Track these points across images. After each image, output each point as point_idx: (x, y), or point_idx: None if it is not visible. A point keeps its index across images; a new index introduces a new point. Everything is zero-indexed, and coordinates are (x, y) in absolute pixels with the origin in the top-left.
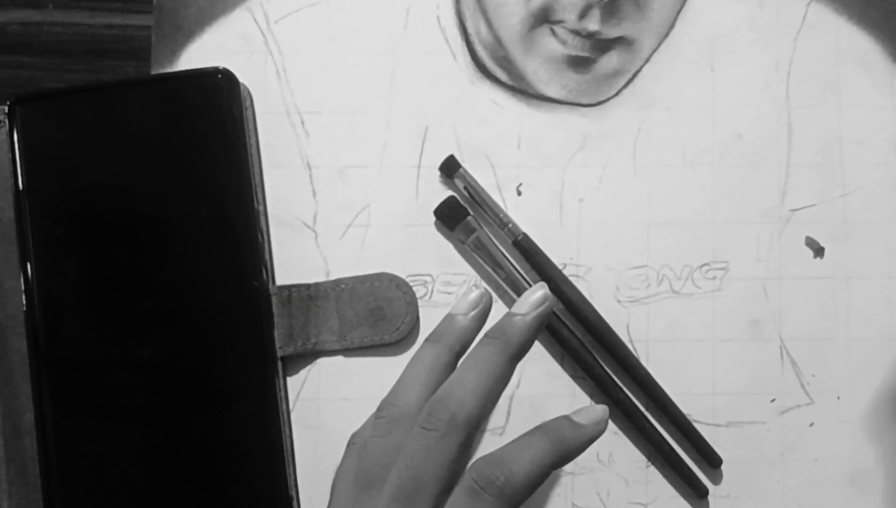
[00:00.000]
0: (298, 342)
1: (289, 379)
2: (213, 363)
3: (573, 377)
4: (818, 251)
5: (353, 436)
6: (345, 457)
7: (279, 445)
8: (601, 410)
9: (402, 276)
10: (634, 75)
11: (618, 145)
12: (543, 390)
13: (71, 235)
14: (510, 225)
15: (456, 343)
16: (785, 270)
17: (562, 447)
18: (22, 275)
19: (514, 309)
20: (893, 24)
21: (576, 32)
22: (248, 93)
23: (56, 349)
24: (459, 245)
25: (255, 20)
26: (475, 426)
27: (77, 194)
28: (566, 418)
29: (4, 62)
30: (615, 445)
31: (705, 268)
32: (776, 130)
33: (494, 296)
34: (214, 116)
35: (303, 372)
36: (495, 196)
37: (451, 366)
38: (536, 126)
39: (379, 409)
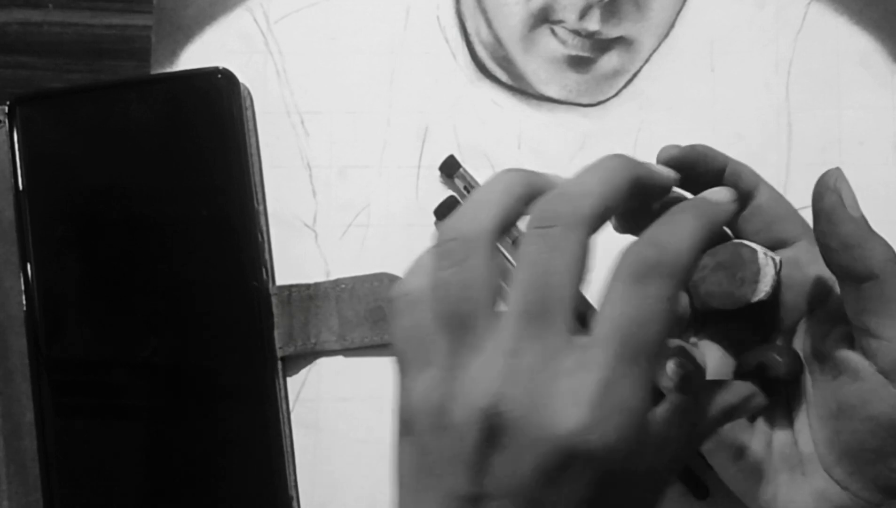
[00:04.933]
0: (298, 342)
1: (289, 379)
2: (213, 364)
3: None
4: None
5: (400, 289)
6: (400, 315)
7: (279, 445)
8: (728, 191)
9: (402, 276)
10: (634, 75)
11: (618, 145)
12: None
13: (71, 235)
14: None
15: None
16: None
17: (706, 219)
18: (22, 275)
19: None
20: (893, 24)
21: (576, 32)
22: (248, 93)
23: (56, 349)
24: None
25: (255, 20)
26: (602, 218)
27: (77, 193)
28: (699, 197)
29: (4, 62)
30: None
31: None
32: (776, 130)
33: None
34: (214, 116)
35: (303, 372)
36: None
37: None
38: (536, 126)
39: (437, 242)
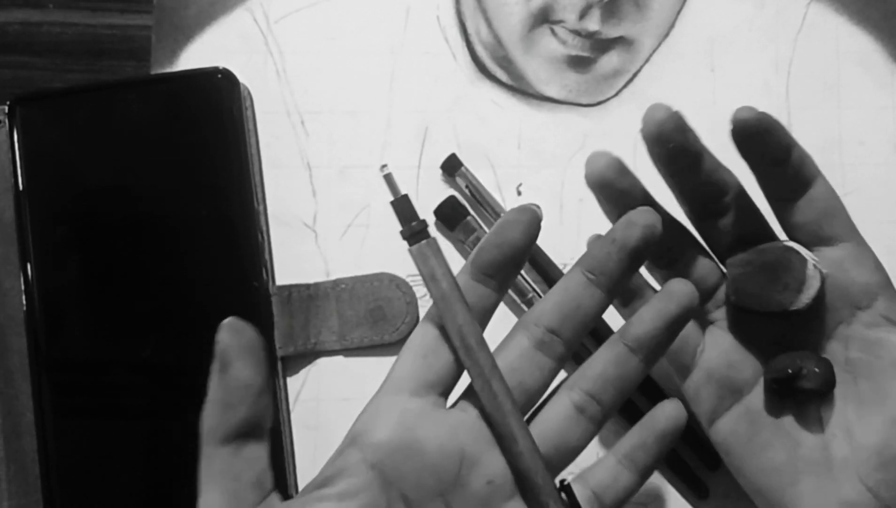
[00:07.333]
0: (298, 342)
1: (289, 379)
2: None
3: None
4: None
5: None
6: None
7: (279, 445)
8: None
9: (402, 276)
10: (634, 75)
11: (618, 145)
12: None
13: (71, 235)
14: None
15: None
16: None
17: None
18: (22, 275)
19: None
20: (893, 24)
21: (576, 32)
22: (248, 93)
23: (56, 349)
24: (459, 245)
25: (255, 20)
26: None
27: (77, 193)
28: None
29: (4, 62)
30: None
31: None
32: None
33: None
34: (214, 116)
35: (303, 372)
36: (495, 196)
37: None
38: (536, 126)
39: None
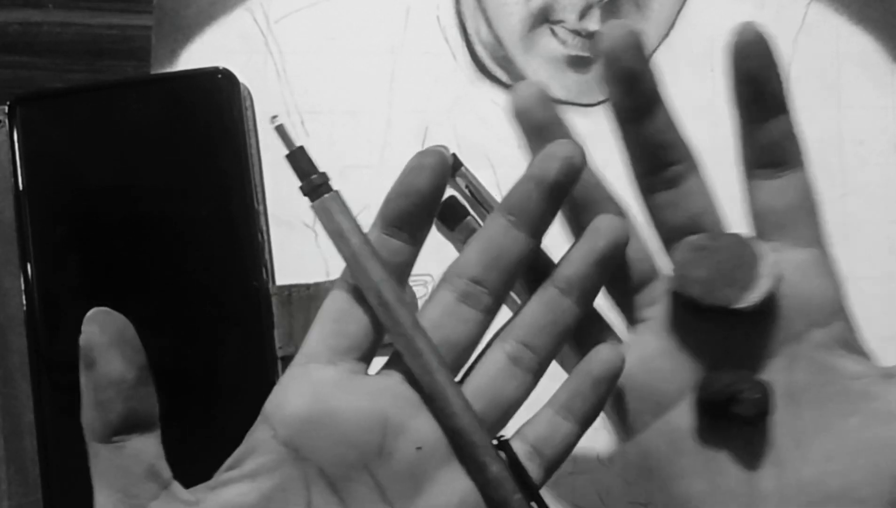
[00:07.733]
0: (298, 342)
1: None
2: (213, 364)
3: None
4: None
5: None
6: None
7: None
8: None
9: None
10: None
11: (618, 145)
12: (543, 390)
13: (71, 235)
14: None
15: None
16: None
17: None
18: (22, 275)
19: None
20: (893, 24)
21: (576, 32)
22: (248, 93)
23: (56, 349)
24: (459, 245)
25: (255, 20)
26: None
27: (77, 193)
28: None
29: (4, 62)
30: (615, 445)
31: None
32: None
33: None
34: (214, 116)
35: None
36: (495, 196)
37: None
38: None
39: None
